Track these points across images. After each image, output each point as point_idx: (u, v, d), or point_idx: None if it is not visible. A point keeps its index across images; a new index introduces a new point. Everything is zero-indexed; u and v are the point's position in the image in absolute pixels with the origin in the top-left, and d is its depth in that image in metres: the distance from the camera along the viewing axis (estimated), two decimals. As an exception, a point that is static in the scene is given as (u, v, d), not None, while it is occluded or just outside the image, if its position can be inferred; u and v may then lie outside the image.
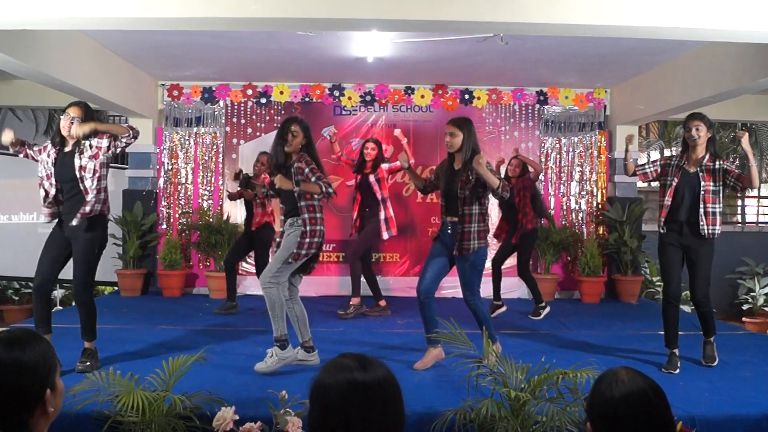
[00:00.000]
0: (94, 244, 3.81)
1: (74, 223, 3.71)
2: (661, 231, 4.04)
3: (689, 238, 3.96)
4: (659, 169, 4.10)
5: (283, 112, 7.28)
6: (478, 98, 7.32)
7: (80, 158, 3.76)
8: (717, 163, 3.91)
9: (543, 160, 7.39)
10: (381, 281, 7.07)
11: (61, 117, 3.81)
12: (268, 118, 7.30)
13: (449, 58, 6.12)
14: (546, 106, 7.41)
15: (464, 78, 7.04)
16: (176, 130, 7.26)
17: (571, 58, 6.10)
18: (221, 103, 7.30)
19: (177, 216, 7.25)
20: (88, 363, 3.80)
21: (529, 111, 7.42)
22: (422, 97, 7.29)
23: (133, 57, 6.28)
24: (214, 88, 7.27)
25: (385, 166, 5.81)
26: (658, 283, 7.43)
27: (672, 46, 5.51)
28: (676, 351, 4.10)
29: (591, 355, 4.11)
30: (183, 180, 7.29)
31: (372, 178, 5.75)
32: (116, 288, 7.06)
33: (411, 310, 6.02)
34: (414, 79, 7.15)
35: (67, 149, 3.81)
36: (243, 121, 7.31)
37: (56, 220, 3.88)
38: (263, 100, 7.28)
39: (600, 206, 7.36)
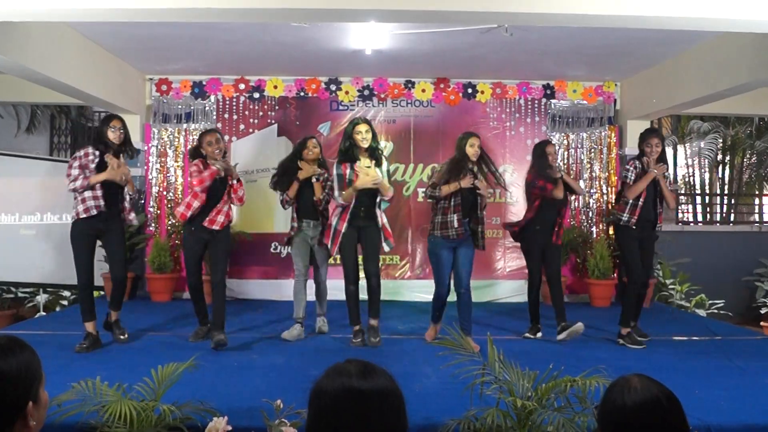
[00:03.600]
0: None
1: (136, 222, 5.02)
2: (632, 228, 4.95)
3: (647, 231, 4.99)
4: (635, 178, 4.97)
5: (277, 107, 7.29)
6: (482, 92, 7.32)
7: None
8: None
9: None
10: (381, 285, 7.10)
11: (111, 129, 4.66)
12: (261, 113, 7.30)
13: (451, 51, 6.12)
14: (553, 101, 7.41)
15: (467, 71, 7.04)
16: (165, 127, 7.26)
17: (579, 50, 6.10)
18: (212, 98, 7.29)
19: (166, 217, 7.25)
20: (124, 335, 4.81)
21: (536, 106, 7.42)
22: (423, 91, 7.29)
23: (119, 50, 6.28)
24: (204, 83, 7.26)
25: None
26: (671, 286, 7.44)
27: (685, 37, 5.51)
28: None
29: (601, 362, 4.11)
30: (172, 179, 7.29)
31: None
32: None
33: (413, 316, 6.02)
34: (414, 73, 7.14)
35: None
36: (235, 117, 7.31)
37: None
38: (256, 95, 7.28)
39: (610, 205, 7.36)
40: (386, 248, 4.87)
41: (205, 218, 4.74)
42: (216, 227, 4.75)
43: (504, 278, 7.29)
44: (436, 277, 4.76)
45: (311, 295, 5.28)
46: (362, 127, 4.73)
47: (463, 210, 4.64)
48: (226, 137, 7.23)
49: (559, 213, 5.16)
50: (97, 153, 4.62)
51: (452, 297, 4.80)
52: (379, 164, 4.81)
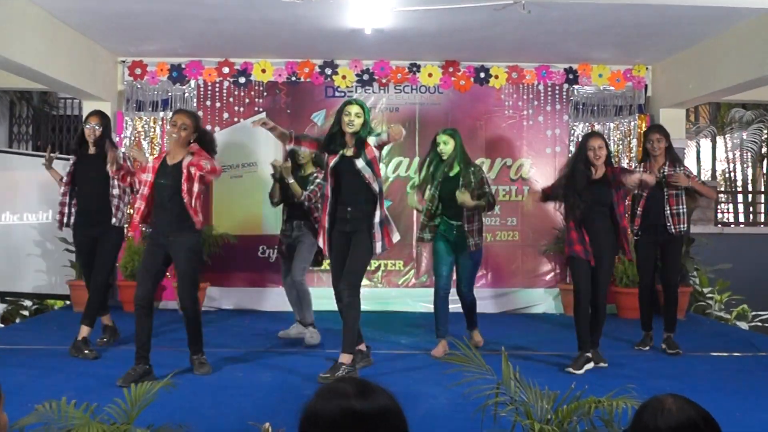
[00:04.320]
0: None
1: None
2: (635, 237, 5.36)
3: (663, 235, 5.24)
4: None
5: (265, 93, 7.29)
6: (496, 77, 7.32)
7: None
8: (677, 168, 5.23)
9: (573, 149, 7.39)
10: (381, 293, 7.11)
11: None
12: (247, 100, 7.30)
13: (462, 30, 6.11)
14: (576, 86, 7.41)
15: (479, 53, 7.03)
16: (139, 115, 7.26)
17: (605, 30, 6.09)
18: (192, 83, 7.29)
19: (140, 217, 7.25)
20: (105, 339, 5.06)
21: (556, 92, 7.42)
22: (430, 75, 7.29)
23: (87, 29, 6.28)
24: (183, 66, 7.27)
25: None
26: (709, 295, 7.44)
27: (726, 15, 5.51)
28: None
29: (630, 380, 4.11)
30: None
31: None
32: (68, 302, 7.06)
33: (417, 329, 6.03)
34: (420, 55, 7.14)
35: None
36: (218, 105, 7.31)
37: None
38: (242, 80, 7.28)
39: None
40: (378, 250, 4.46)
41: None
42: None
43: (523, 287, 7.29)
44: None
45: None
46: (352, 108, 4.43)
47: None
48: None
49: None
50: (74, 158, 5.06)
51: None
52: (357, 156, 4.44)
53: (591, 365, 4.64)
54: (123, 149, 5.45)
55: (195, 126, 4.45)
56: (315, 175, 5.35)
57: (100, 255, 5.04)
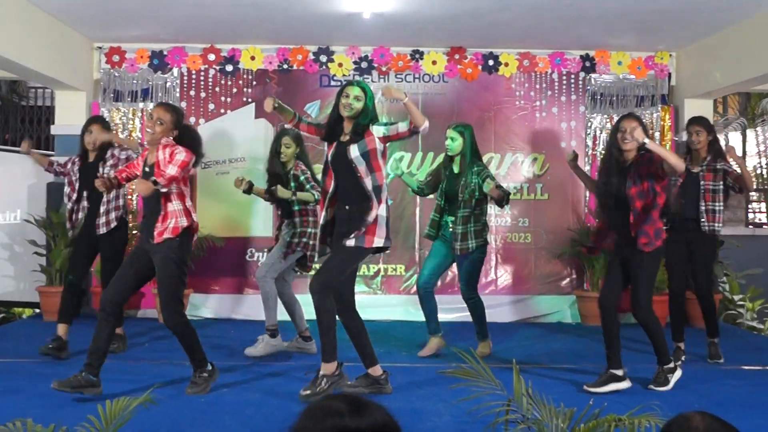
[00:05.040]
0: None
1: None
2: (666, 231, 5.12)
3: (691, 232, 5.30)
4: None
5: (254, 83, 7.29)
6: (506, 65, 7.32)
7: None
8: (718, 164, 5.28)
9: (590, 143, 7.39)
10: (380, 301, 7.10)
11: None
12: (235, 90, 7.30)
13: (469, 14, 6.11)
14: (593, 75, 7.41)
15: (488, 39, 7.03)
16: (117, 106, 7.26)
17: (625, 13, 6.09)
18: (175, 71, 7.30)
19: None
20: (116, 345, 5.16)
21: (572, 81, 7.42)
22: (434, 63, 7.28)
23: (61, 12, 6.28)
24: (165, 53, 7.27)
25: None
26: (740, 303, 7.42)
27: (756, -3, 5.51)
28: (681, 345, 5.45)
29: (653, 396, 4.09)
30: (125, 171, 7.30)
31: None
32: (38, 310, 7.05)
33: (420, 339, 6.01)
34: (423, 41, 7.14)
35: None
36: (203, 95, 7.31)
37: None
38: (229, 68, 7.28)
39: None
40: (350, 242, 4.20)
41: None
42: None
43: (536, 293, 7.29)
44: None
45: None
46: (352, 90, 4.25)
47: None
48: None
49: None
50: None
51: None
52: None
53: (621, 385, 4.51)
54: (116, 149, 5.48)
55: (174, 121, 4.28)
56: (301, 170, 5.38)
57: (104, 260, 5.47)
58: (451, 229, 5.34)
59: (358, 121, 4.25)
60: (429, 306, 5.43)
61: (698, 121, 5.46)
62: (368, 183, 4.23)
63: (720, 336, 5.47)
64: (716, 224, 5.28)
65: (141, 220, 4.64)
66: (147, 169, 4.28)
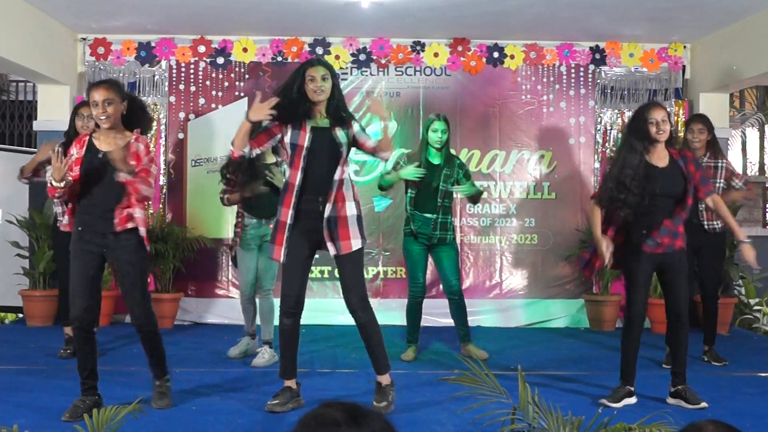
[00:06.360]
0: None
1: None
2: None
3: (698, 235, 5.23)
4: None
5: (247, 76, 7.29)
6: (512, 57, 7.33)
7: None
8: (718, 162, 5.44)
9: (600, 139, 7.40)
10: (381, 304, 7.10)
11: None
12: (227, 84, 7.31)
13: (472, 2, 6.12)
14: (604, 68, 7.42)
15: (492, 30, 7.04)
16: (102, 101, 7.27)
17: (637, 3, 6.10)
18: (163, 63, 7.31)
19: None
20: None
21: (581, 74, 7.43)
22: (436, 55, 7.30)
23: (42, 1, 6.28)
24: (153, 44, 7.27)
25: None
26: (756, 307, 7.44)
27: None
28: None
29: (664, 405, 4.10)
30: (111, 168, 7.31)
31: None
32: (20, 315, 7.06)
33: (420, 346, 6.02)
34: (425, 32, 7.16)
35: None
36: (193, 89, 7.32)
37: None
38: (220, 60, 7.29)
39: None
40: (354, 245, 4.11)
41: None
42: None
43: (543, 297, 7.31)
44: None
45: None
46: (317, 72, 4.00)
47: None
48: (182, 114, 7.25)
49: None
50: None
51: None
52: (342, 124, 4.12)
53: (632, 399, 4.47)
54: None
55: (121, 95, 4.07)
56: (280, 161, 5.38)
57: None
58: (431, 225, 5.41)
59: (336, 105, 4.08)
60: (420, 314, 5.67)
61: (702, 119, 5.57)
62: (344, 172, 4.13)
63: (715, 343, 5.62)
64: (716, 222, 5.40)
65: (77, 216, 4.03)
66: (101, 156, 3.97)
